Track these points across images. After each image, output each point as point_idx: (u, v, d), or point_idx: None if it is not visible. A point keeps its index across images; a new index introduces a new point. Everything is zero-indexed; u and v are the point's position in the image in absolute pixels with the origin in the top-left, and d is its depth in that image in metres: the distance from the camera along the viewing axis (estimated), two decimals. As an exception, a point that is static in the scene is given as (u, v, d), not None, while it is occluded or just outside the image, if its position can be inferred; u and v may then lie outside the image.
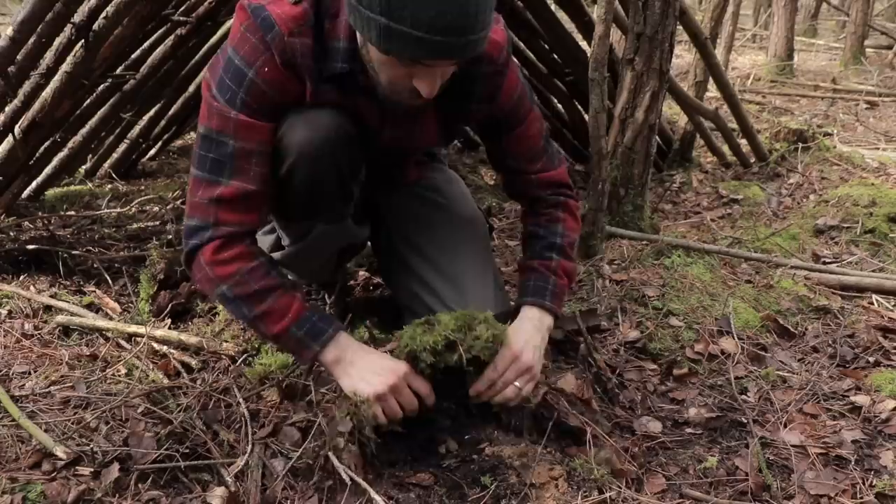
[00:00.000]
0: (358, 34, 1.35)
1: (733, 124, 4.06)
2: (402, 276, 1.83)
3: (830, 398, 1.84)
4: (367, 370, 1.45)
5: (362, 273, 2.39)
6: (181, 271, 2.20)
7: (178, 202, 3.09)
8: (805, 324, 2.18)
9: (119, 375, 1.85)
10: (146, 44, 2.87)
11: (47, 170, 2.98)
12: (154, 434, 1.57)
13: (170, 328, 2.07)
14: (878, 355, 2.01)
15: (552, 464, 1.45)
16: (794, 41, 7.90)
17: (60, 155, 2.97)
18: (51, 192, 3.17)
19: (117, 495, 1.41)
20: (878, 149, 4.54)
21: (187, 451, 1.53)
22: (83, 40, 2.12)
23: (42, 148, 2.73)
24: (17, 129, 2.34)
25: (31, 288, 2.30)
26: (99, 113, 2.93)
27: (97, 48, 2.17)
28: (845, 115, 5.72)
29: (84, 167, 3.49)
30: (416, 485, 1.44)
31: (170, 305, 2.14)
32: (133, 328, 2.02)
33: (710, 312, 2.16)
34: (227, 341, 1.93)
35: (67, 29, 2.09)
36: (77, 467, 1.47)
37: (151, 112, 3.43)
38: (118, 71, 2.80)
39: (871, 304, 2.31)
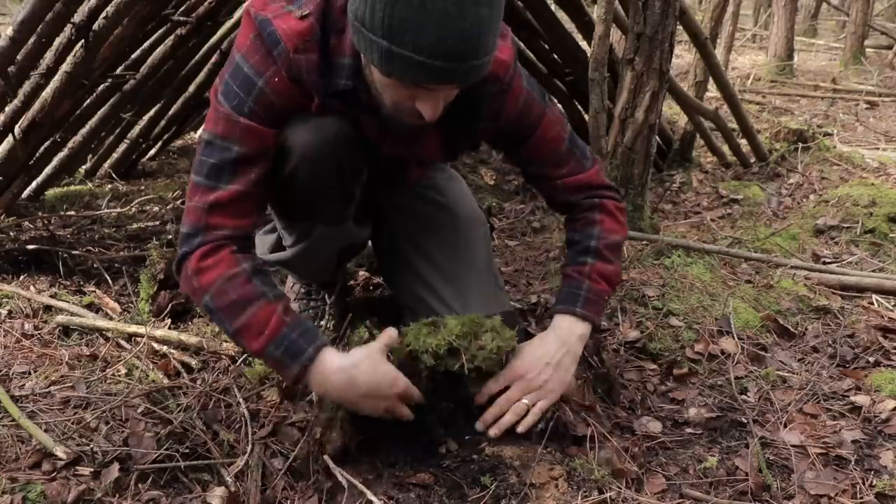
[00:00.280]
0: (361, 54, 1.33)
1: (733, 124, 4.06)
2: (404, 275, 1.82)
3: (830, 398, 1.84)
4: (363, 402, 1.40)
5: (362, 273, 2.39)
6: (181, 271, 2.21)
7: (178, 202, 3.09)
8: (805, 324, 2.18)
9: (119, 375, 1.85)
10: (146, 44, 2.87)
11: (47, 170, 2.98)
12: (154, 434, 1.57)
13: (170, 328, 2.08)
14: (878, 355, 2.01)
15: (552, 464, 1.45)
16: (794, 41, 7.90)
17: (60, 155, 2.97)
18: (51, 192, 3.17)
19: (117, 495, 1.41)
20: (878, 149, 4.54)
21: (187, 451, 1.53)
22: (83, 40, 2.12)
23: (42, 148, 2.73)
24: (17, 129, 2.34)
25: (31, 288, 2.30)
26: (99, 113, 2.94)
27: (97, 48, 2.17)
28: (845, 115, 5.72)
29: (84, 167, 3.49)
30: (416, 485, 1.44)
31: (170, 305, 2.14)
32: (133, 328, 2.02)
33: (710, 312, 2.15)
34: (227, 341, 1.93)
35: (67, 29, 2.09)
36: (77, 467, 1.47)
37: (151, 112, 3.43)
38: (118, 71, 2.80)
39: (871, 304, 2.31)
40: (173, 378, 1.84)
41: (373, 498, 1.36)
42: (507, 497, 1.38)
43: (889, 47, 9.06)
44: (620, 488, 1.43)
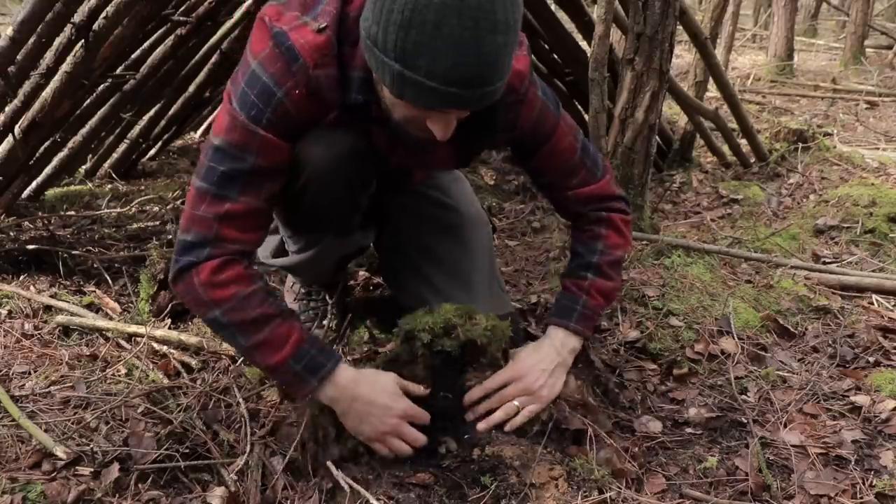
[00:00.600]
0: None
1: (733, 124, 4.06)
2: (407, 275, 1.82)
3: (830, 398, 1.84)
4: (368, 411, 1.44)
5: (362, 273, 2.39)
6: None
7: (178, 202, 3.09)
8: (805, 324, 2.18)
9: (119, 375, 1.85)
10: (146, 44, 2.87)
11: (47, 170, 2.98)
12: (154, 434, 1.57)
13: (170, 328, 2.08)
14: (878, 355, 2.01)
15: (552, 464, 1.45)
16: (794, 41, 7.90)
17: (60, 155, 2.97)
18: (51, 192, 3.17)
19: (117, 495, 1.41)
20: (878, 149, 4.54)
21: (187, 451, 1.53)
22: (83, 40, 2.12)
23: (42, 148, 2.73)
24: (17, 129, 2.34)
25: (31, 288, 2.30)
26: (99, 113, 2.94)
27: (97, 48, 2.17)
28: (845, 115, 5.72)
29: (84, 167, 3.49)
30: (416, 485, 1.44)
31: (170, 305, 2.14)
32: (133, 328, 2.02)
33: (710, 312, 2.15)
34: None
35: (67, 29, 2.09)
36: (77, 467, 1.47)
37: (151, 112, 3.43)
38: (118, 71, 2.80)
39: (871, 304, 2.31)
40: (173, 378, 1.84)
41: (372, 499, 1.36)
42: (507, 497, 1.38)
43: (889, 47, 9.06)
44: (620, 488, 1.43)
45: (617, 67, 2.86)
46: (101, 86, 2.77)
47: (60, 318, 2.09)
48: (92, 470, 1.46)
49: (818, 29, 11.75)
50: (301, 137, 1.43)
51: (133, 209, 3.05)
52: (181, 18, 2.75)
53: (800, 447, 1.63)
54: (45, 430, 1.57)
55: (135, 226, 2.88)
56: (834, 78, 7.16)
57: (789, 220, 3.11)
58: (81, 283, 2.37)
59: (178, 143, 4.20)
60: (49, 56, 2.16)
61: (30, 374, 1.84)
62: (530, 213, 3.20)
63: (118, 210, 2.97)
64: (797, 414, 1.77)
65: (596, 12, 2.48)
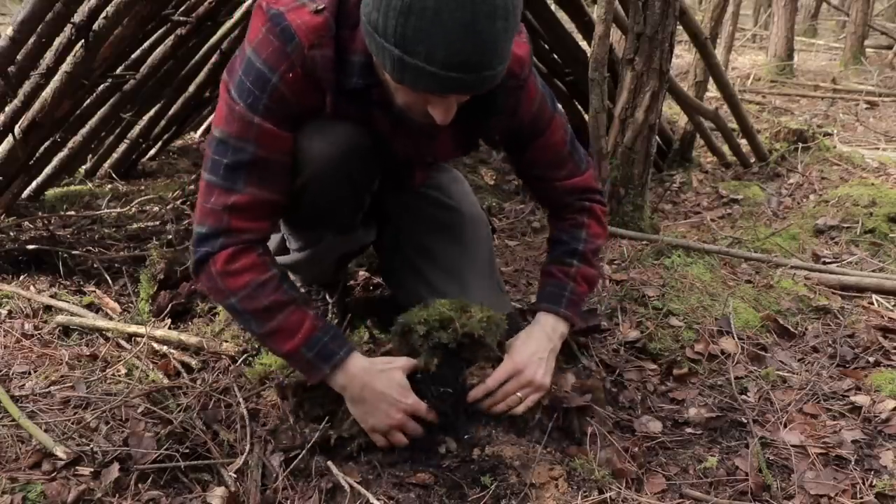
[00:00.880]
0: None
1: (733, 124, 4.06)
2: (407, 275, 1.82)
3: (830, 398, 1.84)
4: (376, 403, 1.45)
5: (362, 273, 2.39)
6: (181, 271, 2.20)
7: (178, 202, 3.09)
8: (805, 324, 2.18)
9: (119, 375, 1.85)
10: (146, 44, 2.87)
11: (47, 170, 2.98)
12: (154, 434, 1.57)
13: (170, 328, 2.07)
14: (878, 355, 2.01)
15: (552, 464, 1.45)
16: (794, 41, 7.90)
17: (60, 155, 2.97)
18: (51, 192, 3.17)
19: (117, 495, 1.41)
20: (878, 149, 4.54)
21: (187, 451, 1.53)
22: (83, 40, 2.12)
23: (42, 148, 2.73)
24: (17, 129, 2.34)
25: (31, 288, 2.30)
26: (99, 113, 2.94)
27: (97, 48, 2.17)
28: (845, 115, 5.72)
29: (84, 167, 3.50)
30: (416, 485, 1.44)
31: (170, 305, 2.14)
32: (133, 328, 2.02)
33: (710, 312, 2.15)
34: (227, 341, 1.93)
35: (67, 29, 2.09)
36: (77, 467, 1.47)
37: (151, 112, 3.43)
38: (118, 71, 2.80)
39: (871, 304, 2.31)
40: (173, 378, 1.84)
41: (372, 499, 1.36)
42: (507, 497, 1.38)
43: (889, 47, 9.07)
44: (620, 488, 1.43)
45: (617, 67, 2.86)
46: (101, 86, 2.77)
47: (60, 318, 2.09)
48: (92, 470, 1.46)
49: (818, 29, 11.75)
50: (301, 127, 1.43)
51: (133, 209, 3.05)
52: (181, 18, 2.75)
53: (800, 447, 1.63)
54: (45, 430, 1.57)
55: (135, 226, 2.88)
56: (834, 78, 7.16)
57: (789, 220, 3.11)
58: (81, 283, 2.37)
59: (178, 143, 4.20)
60: (49, 56, 2.17)
61: (30, 374, 1.84)
62: (530, 213, 3.20)
63: (118, 210, 2.97)
64: (797, 414, 1.77)
65: (596, 12, 2.48)
